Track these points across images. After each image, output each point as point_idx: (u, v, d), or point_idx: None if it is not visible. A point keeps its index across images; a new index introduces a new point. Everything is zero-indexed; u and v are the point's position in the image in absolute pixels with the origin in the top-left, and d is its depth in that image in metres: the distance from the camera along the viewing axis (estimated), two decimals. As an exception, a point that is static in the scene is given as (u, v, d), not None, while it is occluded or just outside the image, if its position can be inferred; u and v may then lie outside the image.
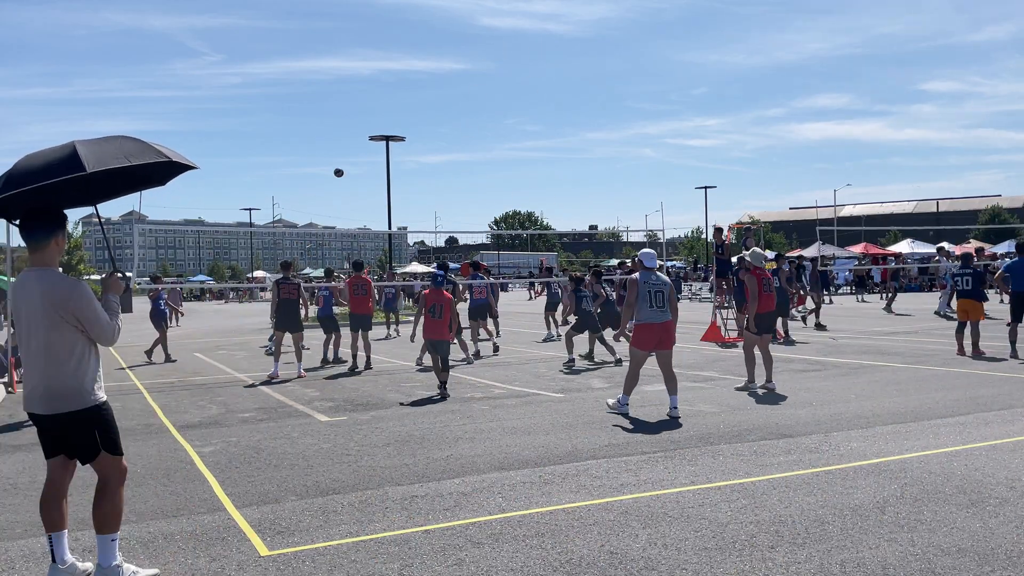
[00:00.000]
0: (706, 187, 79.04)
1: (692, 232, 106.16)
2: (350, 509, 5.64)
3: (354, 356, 14.53)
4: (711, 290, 24.70)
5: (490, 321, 17.74)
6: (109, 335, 4.29)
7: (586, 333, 14.54)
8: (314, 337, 17.50)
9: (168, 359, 16.84)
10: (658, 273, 9.25)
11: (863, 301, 33.34)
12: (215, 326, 30.08)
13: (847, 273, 42.76)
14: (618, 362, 13.96)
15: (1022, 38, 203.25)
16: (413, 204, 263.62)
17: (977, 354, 13.58)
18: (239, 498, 6.00)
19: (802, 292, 21.93)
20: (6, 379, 12.53)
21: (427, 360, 14.48)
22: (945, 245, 31.40)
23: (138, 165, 4.36)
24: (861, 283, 37.74)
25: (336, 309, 17.35)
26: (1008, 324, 13.75)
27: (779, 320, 16.01)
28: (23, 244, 4.36)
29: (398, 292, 25.21)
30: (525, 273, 73.36)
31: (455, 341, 17.07)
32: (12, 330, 11.12)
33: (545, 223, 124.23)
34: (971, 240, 51.47)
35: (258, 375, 13.86)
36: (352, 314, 14.85)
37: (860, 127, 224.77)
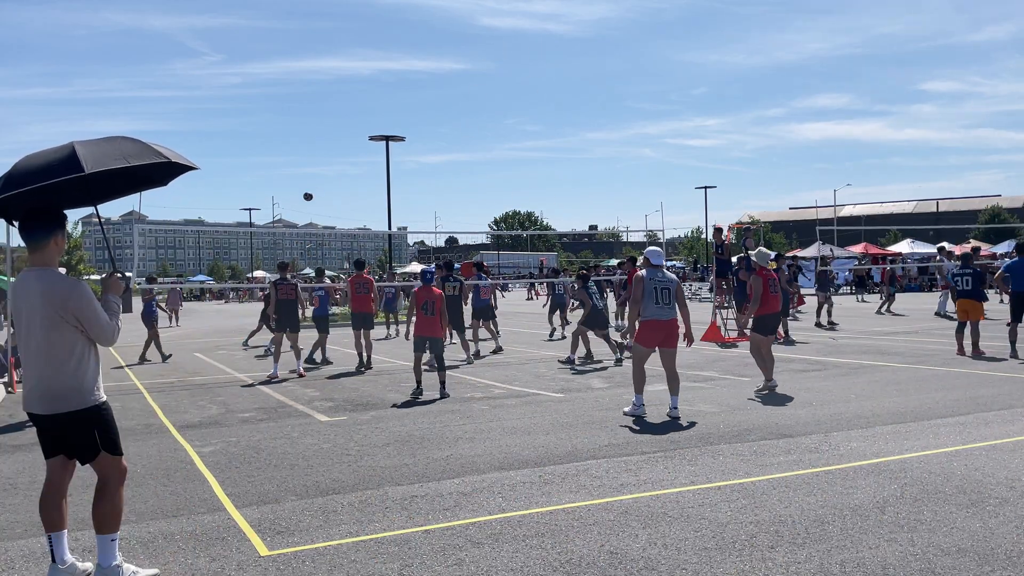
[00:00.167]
0: (706, 187, 79.14)
1: (692, 232, 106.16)
2: (350, 509, 5.64)
3: (359, 355, 14.54)
4: (711, 290, 24.69)
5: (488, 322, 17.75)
6: (109, 335, 4.29)
7: (579, 332, 14.54)
8: (310, 337, 17.49)
9: (164, 358, 16.83)
10: (664, 271, 9.25)
11: (863, 301, 33.34)
12: (215, 326, 30.09)
13: (847, 273, 42.78)
14: (618, 362, 13.97)
15: (1022, 38, 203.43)
16: (413, 204, 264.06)
17: (977, 354, 13.58)
18: (239, 498, 6.00)
19: (800, 293, 21.97)
20: (6, 379, 12.52)
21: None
22: (945, 245, 31.35)
23: (137, 166, 4.36)
24: (861, 283, 37.75)
25: (335, 309, 17.34)
26: (1008, 324, 13.75)
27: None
28: (23, 244, 4.36)
29: (398, 292, 25.19)
30: (525, 273, 73.35)
31: (454, 341, 17.10)
32: (12, 330, 11.12)
33: (545, 223, 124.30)
34: (970, 240, 51.44)
35: (258, 375, 13.87)
36: (354, 313, 14.89)
37: (860, 127, 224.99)
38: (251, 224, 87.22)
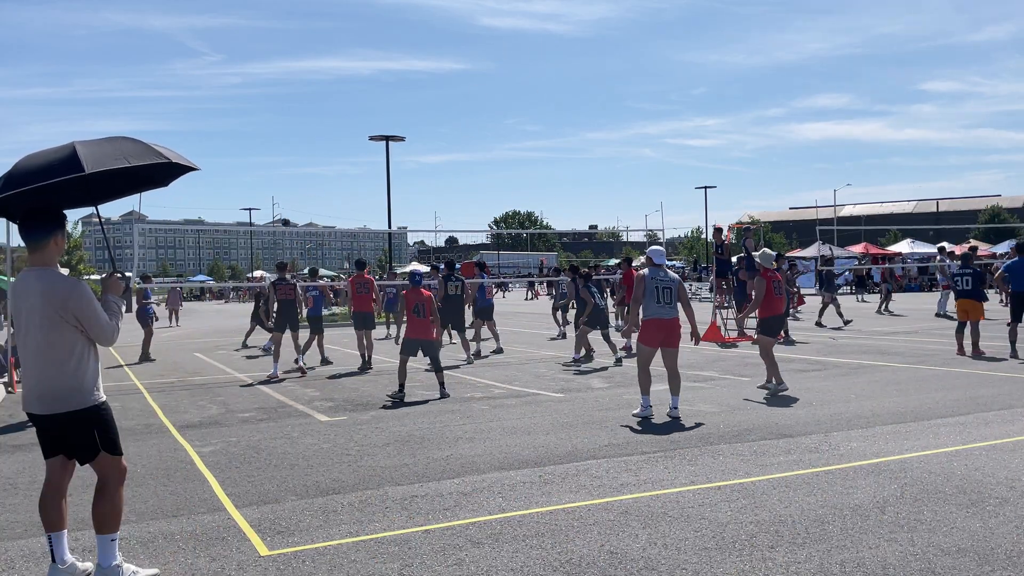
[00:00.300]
0: (706, 187, 79.10)
1: (692, 232, 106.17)
2: (350, 509, 5.64)
3: (362, 355, 14.54)
4: (711, 290, 24.70)
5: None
6: (109, 335, 4.29)
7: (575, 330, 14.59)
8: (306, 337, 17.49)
9: (144, 357, 16.80)
10: (667, 270, 9.24)
11: (863, 301, 33.33)
12: (215, 326, 30.07)
13: (847, 273, 42.76)
14: (618, 362, 13.97)
15: (1022, 38, 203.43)
16: (413, 204, 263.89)
17: (977, 354, 13.58)
18: (239, 498, 6.00)
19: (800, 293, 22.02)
20: (6, 379, 12.53)
21: (442, 359, 14.48)
22: (945, 245, 31.35)
23: (138, 166, 4.36)
24: (861, 283, 37.73)
25: (336, 309, 17.34)
26: (1008, 324, 13.76)
27: None
28: (23, 244, 4.36)
29: (399, 292, 25.20)
30: (525, 273, 73.36)
31: (454, 341, 17.09)
32: (12, 330, 11.12)
33: (545, 223, 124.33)
34: (970, 240, 51.45)
35: (258, 375, 13.87)
36: (355, 312, 14.92)
37: (860, 127, 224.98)
38: (251, 224, 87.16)
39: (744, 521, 5.13)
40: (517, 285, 64.47)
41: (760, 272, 10.68)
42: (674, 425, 8.37)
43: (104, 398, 4.37)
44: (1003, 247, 43.74)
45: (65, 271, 4.40)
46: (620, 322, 18.87)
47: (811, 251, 44.99)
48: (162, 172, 4.74)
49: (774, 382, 10.32)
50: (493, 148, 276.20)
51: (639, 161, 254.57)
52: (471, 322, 18.71)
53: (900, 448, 7.05)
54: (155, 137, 4.68)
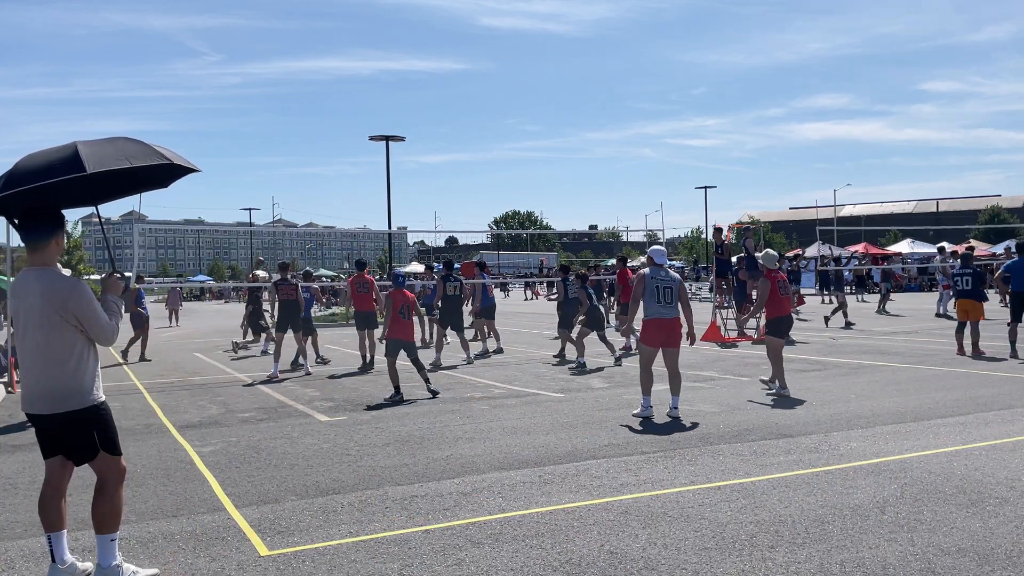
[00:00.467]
0: (706, 187, 78.99)
1: (692, 232, 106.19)
2: (350, 509, 5.64)
3: (363, 356, 14.55)
4: (711, 290, 24.72)
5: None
6: (109, 335, 4.29)
7: (569, 329, 14.62)
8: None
9: (123, 355, 16.77)
10: (667, 269, 9.24)
11: (863, 301, 33.33)
12: (215, 326, 30.06)
13: (847, 273, 42.77)
14: (617, 361, 13.97)
15: (1022, 38, 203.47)
16: (413, 204, 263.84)
17: (977, 354, 13.58)
18: (239, 498, 6.00)
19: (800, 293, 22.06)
20: (6, 379, 12.53)
21: (443, 359, 14.50)
22: (945, 245, 31.36)
23: (139, 167, 4.36)
24: (861, 283, 37.73)
25: (336, 309, 17.33)
26: (1008, 324, 13.76)
27: None
28: (23, 244, 4.36)
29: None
30: (526, 273, 73.34)
31: (448, 341, 17.09)
32: (12, 330, 11.12)
33: (545, 223, 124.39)
34: (970, 240, 51.47)
35: (258, 375, 13.87)
36: (357, 312, 14.96)
37: (860, 127, 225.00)
38: (251, 224, 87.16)
39: (744, 521, 5.13)
40: (517, 285, 64.48)
41: (764, 273, 10.61)
42: (674, 425, 8.37)
43: (103, 398, 4.37)
44: (1003, 247, 43.74)
45: (66, 271, 4.39)
46: (616, 323, 18.88)
47: (811, 251, 45.00)
48: (163, 173, 4.74)
49: (777, 384, 10.30)
50: (493, 148, 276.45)
51: (639, 161, 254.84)
52: (471, 322, 18.73)
53: (900, 448, 7.05)
54: (155, 137, 4.68)
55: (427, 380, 10.91)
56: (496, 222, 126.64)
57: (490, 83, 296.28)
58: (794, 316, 21.66)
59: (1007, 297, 14.46)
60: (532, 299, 48.27)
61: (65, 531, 4.34)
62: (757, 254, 12.90)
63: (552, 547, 4.75)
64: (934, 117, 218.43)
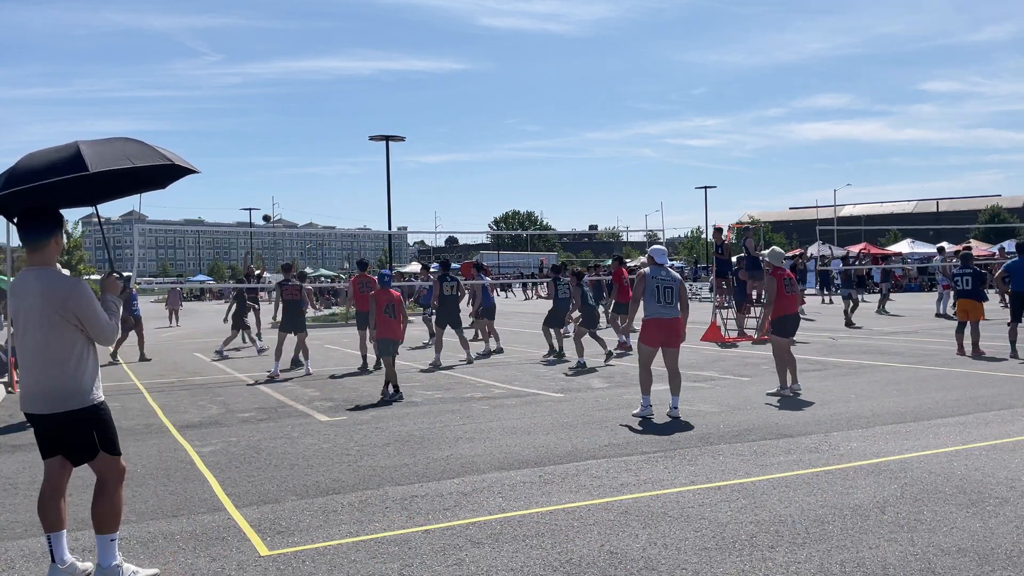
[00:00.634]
0: (706, 187, 79.04)
1: (692, 232, 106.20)
2: (350, 509, 5.64)
3: (363, 355, 14.55)
4: (711, 290, 24.71)
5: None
6: (109, 334, 4.29)
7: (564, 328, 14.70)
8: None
9: (112, 356, 16.75)
10: (668, 269, 9.23)
11: (863, 301, 33.34)
12: (215, 326, 30.05)
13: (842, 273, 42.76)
14: (608, 355, 14.05)
15: (1022, 38, 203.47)
16: (413, 204, 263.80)
17: (977, 354, 13.58)
18: (239, 498, 6.00)
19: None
20: (6, 379, 12.53)
21: (442, 359, 14.50)
22: (945, 245, 31.37)
23: (140, 167, 4.37)
24: (861, 283, 37.74)
25: (336, 309, 17.32)
26: (1008, 324, 13.76)
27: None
28: (22, 244, 4.36)
29: (404, 291, 25.29)
30: (527, 273, 73.32)
31: (459, 340, 17.08)
32: (12, 330, 11.12)
33: (545, 223, 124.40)
34: (970, 240, 51.46)
35: (258, 375, 13.87)
36: (359, 312, 14.96)
37: (860, 127, 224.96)
38: (251, 224, 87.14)
39: (744, 521, 5.13)
40: (516, 286, 64.46)
41: (770, 271, 10.49)
42: (674, 425, 8.37)
43: (103, 398, 4.37)
44: (995, 249, 43.66)
45: (65, 271, 4.39)
46: (607, 322, 18.90)
47: (811, 251, 44.98)
48: (163, 174, 4.75)
49: (779, 385, 10.29)
50: (493, 148, 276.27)
51: (639, 161, 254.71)
52: (472, 322, 18.72)
53: (900, 448, 7.05)
54: (155, 137, 4.69)
55: (395, 384, 10.87)
56: (496, 222, 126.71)
57: (490, 83, 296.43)
58: (801, 316, 21.77)
59: (1006, 297, 14.48)
60: (529, 299, 48.23)
61: (65, 531, 4.34)
62: (763, 252, 12.84)
63: (552, 547, 4.75)
64: (934, 117, 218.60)
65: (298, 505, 5.78)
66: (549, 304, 16.16)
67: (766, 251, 11.06)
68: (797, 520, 5.12)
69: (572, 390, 11.11)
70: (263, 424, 9.14)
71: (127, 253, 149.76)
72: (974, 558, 4.40)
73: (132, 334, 17.17)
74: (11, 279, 10.24)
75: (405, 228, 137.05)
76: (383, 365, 10.90)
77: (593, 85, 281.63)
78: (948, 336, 15.97)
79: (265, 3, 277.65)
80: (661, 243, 15.61)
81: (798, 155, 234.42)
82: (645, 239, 50.74)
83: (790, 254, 42.95)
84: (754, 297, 19.11)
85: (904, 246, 50.89)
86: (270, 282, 28.98)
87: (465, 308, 16.86)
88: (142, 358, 16.89)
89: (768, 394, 10.17)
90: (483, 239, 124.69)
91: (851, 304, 21.71)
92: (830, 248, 43.23)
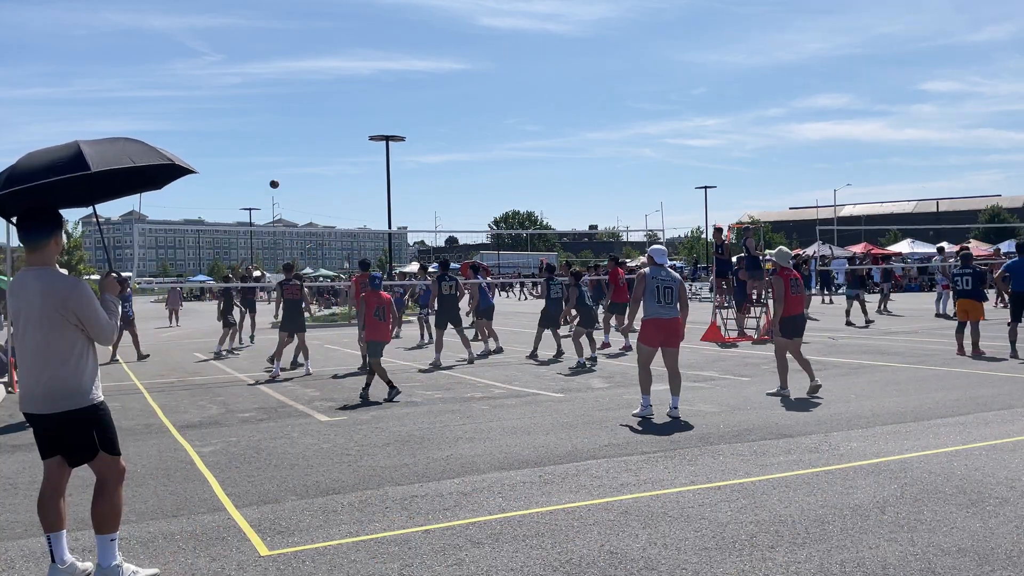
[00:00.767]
0: (706, 187, 79.08)
1: (692, 232, 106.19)
2: (350, 509, 5.64)
3: (364, 355, 14.54)
4: (711, 290, 24.71)
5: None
6: (108, 334, 4.29)
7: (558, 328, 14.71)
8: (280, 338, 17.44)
9: (111, 356, 16.77)
10: (668, 269, 9.22)
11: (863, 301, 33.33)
12: (215, 326, 30.03)
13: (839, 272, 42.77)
14: (593, 360, 14.08)
15: (1022, 38, 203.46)
16: (413, 204, 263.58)
17: (977, 354, 13.57)
18: (239, 498, 6.00)
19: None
20: (6, 379, 12.53)
21: (442, 359, 14.50)
22: (945, 245, 31.39)
23: (141, 167, 4.37)
24: (861, 283, 37.75)
25: (336, 309, 17.34)
26: (1008, 324, 13.76)
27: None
28: (22, 245, 4.36)
29: (407, 291, 25.29)
30: (527, 273, 73.35)
31: (460, 339, 17.09)
32: (12, 330, 11.12)
33: (545, 223, 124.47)
34: (970, 240, 51.46)
35: (258, 375, 13.87)
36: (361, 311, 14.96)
37: (860, 127, 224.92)
38: (251, 224, 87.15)
39: (744, 521, 5.13)
40: (517, 285, 64.46)
41: (777, 271, 10.41)
42: (674, 425, 8.37)
43: (102, 398, 4.37)
44: (1003, 247, 43.70)
45: (64, 271, 4.39)
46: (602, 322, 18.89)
47: (811, 251, 44.99)
48: (162, 173, 4.75)
49: (779, 385, 10.27)
50: (493, 148, 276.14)
51: (639, 161, 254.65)
52: (471, 322, 18.73)
53: (900, 448, 7.05)
54: (155, 137, 4.71)
55: (370, 384, 10.89)
56: (496, 222, 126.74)
57: (490, 83, 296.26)
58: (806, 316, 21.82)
59: (1005, 297, 14.47)
60: (524, 299, 48.22)
61: (65, 531, 4.34)
62: (769, 252, 12.82)
63: (552, 547, 4.75)
64: (934, 117, 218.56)
65: (298, 505, 5.78)
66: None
67: (772, 251, 11.03)
68: (797, 520, 5.12)
69: (572, 390, 11.11)
70: (263, 424, 9.14)
71: (127, 253, 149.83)
72: (974, 558, 4.40)
73: (125, 335, 17.18)
74: (11, 279, 10.24)
75: (405, 228, 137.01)
76: (372, 366, 10.93)
77: (593, 85, 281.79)
78: (948, 336, 15.97)
79: (265, 3, 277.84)
80: (661, 243, 15.65)
81: (798, 155, 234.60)
82: (645, 239, 50.74)
83: (794, 254, 43.01)
84: (754, 297, 19.11)
85: (904, 246, 50.91)
86: (270, 282, 28.96)
87: (465, 308, 16.86)
88: (140, 357, 16.90)
89: (768, 394, 10.16)
90: (483, 239, 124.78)
91: (860, 304, 21.78)
92: (830, 248, 43.24)
